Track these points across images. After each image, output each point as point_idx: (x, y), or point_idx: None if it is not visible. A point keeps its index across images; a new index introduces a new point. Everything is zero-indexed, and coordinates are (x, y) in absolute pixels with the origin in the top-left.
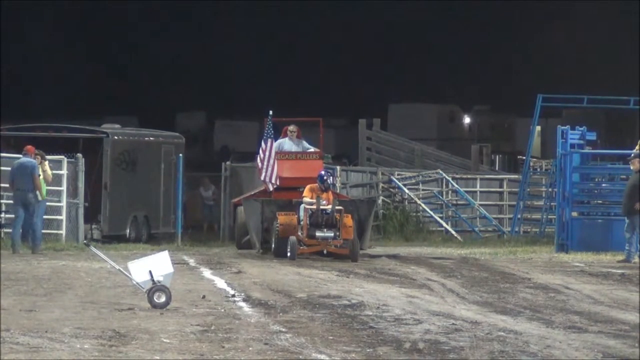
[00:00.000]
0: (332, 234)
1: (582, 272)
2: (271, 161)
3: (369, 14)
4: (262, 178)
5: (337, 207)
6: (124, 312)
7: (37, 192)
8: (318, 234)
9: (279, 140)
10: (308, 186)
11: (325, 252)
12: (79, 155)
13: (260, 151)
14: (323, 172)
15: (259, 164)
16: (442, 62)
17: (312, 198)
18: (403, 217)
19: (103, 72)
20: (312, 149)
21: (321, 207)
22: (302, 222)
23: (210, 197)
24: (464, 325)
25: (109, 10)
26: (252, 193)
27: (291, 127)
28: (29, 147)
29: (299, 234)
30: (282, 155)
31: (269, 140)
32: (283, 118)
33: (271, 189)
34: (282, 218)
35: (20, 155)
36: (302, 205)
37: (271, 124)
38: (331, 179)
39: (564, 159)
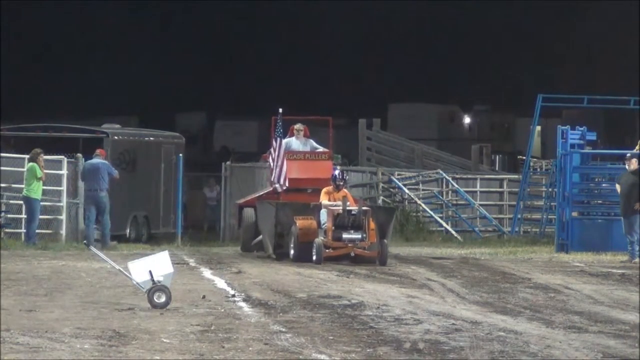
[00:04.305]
0: (359, 236)
1: (582, 272)
2: (279, 161)
3: (369, 14)
4: (271, 179)
5: (363, 208)
6: (124, 312)
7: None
8: (344, 236)
9: (286, 140)
10: (324, 190)
11: (352, 254)
12: (79, 155)
13: (272, 150)
14: (337, 172)
15: (271, 164)
16: (442, 62)
17: (329, 200)
18: (403, 217)
19: (103, 72)
20: (321, 149)
21: (347, 207)
22: (324, 226)
23: (214, 197)
24: (464, 325)
25: (108, 10)
26: (260, 194)
27: (297, 126)
28: (100, 149)
29: (322, 237)
30: (290, 155)
31: (279, 139)
32: (292, 116)
33: (279, 190)
34: (301, 222)
35: (23, 156)
36: (323, 210)
37: (281, 123)
38: (344, 175)
39: (564, 159)
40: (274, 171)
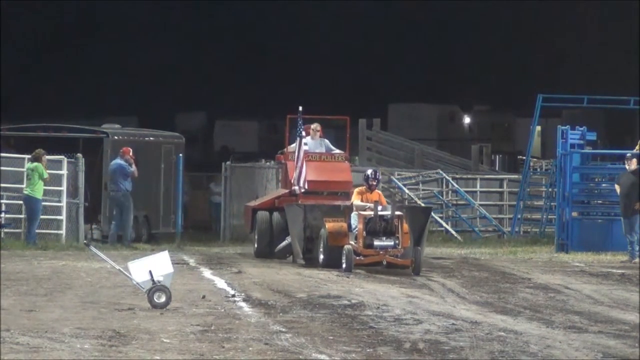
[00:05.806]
0: (392, 243)
1: (582, 272)
2: (299, 162)
3: (369, 14)
4: (291, 180)
5: (396, 213)
6: (124, 312)
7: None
8: (376, 242)
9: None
10: (356, 190)
11: (384, 263)
12: (79, 155)
13: (288, 150)
14: (370, 172)
15: (287, 164)
16: (442, 62)
17: (362, 201)
18: None
19: (103, 72)
20: (336, 150)
21: (379, 212)
22: (355, 230)
23: (219, 192)
24: (464, 325)
25: (107, 11)
26: (277, 196)
27: (314, 126)
28: (124, 148)
29: (352, 242)
30: (307, 156)
31: (299, 139)
32: (308, 115)
33: (298, 192)
34: (330, 225)
35: (23, 156)
36: (354, 213)
37: (302, 121)
38: (377, 174)
39: (564, 159)
40: (294, 172)
